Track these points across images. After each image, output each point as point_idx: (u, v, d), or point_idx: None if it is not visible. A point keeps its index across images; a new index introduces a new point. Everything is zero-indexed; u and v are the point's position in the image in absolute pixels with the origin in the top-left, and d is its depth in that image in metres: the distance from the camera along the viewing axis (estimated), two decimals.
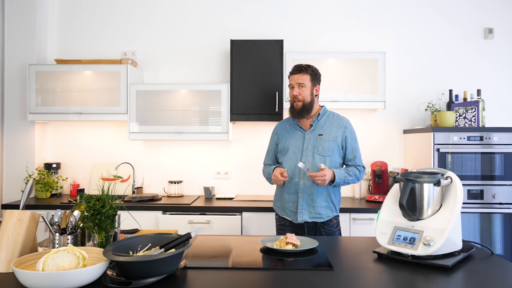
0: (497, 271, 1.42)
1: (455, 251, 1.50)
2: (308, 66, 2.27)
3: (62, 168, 3.53)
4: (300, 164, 2.10)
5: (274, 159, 2.43)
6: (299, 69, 2.25)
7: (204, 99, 3.19)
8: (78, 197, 1.87)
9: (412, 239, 1.48)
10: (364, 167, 2.31)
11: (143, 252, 1.39)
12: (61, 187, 3.44)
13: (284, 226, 2.30)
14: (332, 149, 2.23)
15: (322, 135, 2.25)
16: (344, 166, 2.34)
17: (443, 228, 1.44)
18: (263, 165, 2.50)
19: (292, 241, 1.65)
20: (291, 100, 2.29)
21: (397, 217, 1.58)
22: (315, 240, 1.71)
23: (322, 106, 2.36)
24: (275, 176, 2.20)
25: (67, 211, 1.64)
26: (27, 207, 2.73)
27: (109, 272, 1.28)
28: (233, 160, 3.50)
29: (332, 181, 2.16)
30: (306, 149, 2.25)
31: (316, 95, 2.30)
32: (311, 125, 2.29)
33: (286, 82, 3.11)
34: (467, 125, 3.13)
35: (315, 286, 1.25)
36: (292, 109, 2.28)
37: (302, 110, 2.25)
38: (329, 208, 2.24)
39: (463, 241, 1.56)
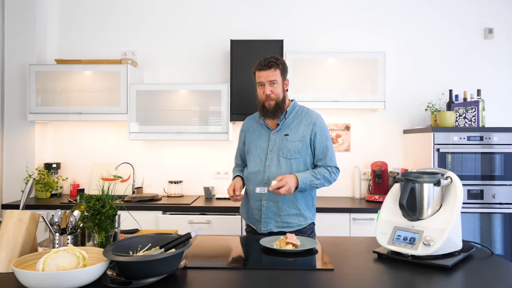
0: (497, 271, 1.41)
1: (455, 251, 1.50)
2: (277, 59, 2.02)
3: (62, 168, 3.53)
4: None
5: (242, 158, 2.25)
6: (269, 63, 1.99)
7: (204, 99, 3.18)
8: (78, 197, 1.87)
9: (412, 239, 1.48)
10: (337, 168, 2.06)
11: (143, 252, 1.38)
12: (61, 187, 3.44)
13: (250, 234, 2.11)
14: (299, 151, 2.01)
15: (288, 135, 2.03)
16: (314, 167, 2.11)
17: (443, 228, 1.44)
18: (233, 165, 2.34)
19: (292, 241, 1.65)
20: (261, 99, 2.04)
21: (397, 217, 1.58)
22: (315, 240, 1.71)
23: (291, 101, 2.13)
24: (228, 192, 2.03)
25: (67, 211, 1.64)
26: (27, 207, 2.72)
27: (109, 272, 1.28)
28: (233, 160, 3.49)
29: (297, 186, 1.92)
30: (271, 152, 2.04)
31: (286, 90, 2.09)
32: (278, 124, 2.07)
33: None
34: (467, 125, 3.13)
35: (315, 286, 1.25)
36: (263, 109, 2.04)
37: (276, 110, 2.02)
38: (300, 215, 2.02)
39: (463, 241, 1.56)
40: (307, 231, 2.07)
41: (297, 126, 2.05)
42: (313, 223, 2.12)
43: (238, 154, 2.29)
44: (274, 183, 1.86)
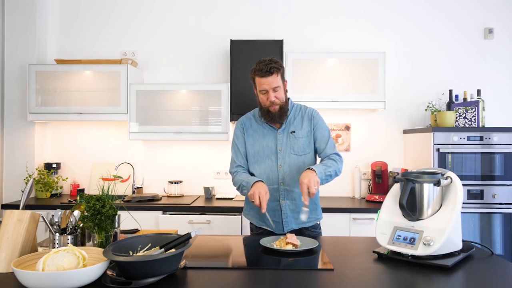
0: (497, 271, 1.41)
1: (455, 251, 1.50)
2: (276, 62, 1.95)
3: (62, 168, 3.53)
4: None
5: (246, 159, 2.12)
6: (270, 69, 1.91)
7: (204, 99, 3.18)
8: (78, 197, 1.87)
9: (412, 239, 1.48)
10: (339, 155, 2.04)
11: (143, 252, 1.38)
12: (61, 187, 3.44)
13: (263, 236, 1.93)
14: (308, 146, 2.04)
15: (294, 132, 2.04)
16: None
17: (443, 228, 1.44)
18: (232, 168, 2.13)
19: (292, 241, 1.65)
20: (265, 105, 1.98)
21: (397, 217, 1.58)
22: (315, 240, 1.71)
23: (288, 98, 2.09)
24: (260, 196, 1.81)
25: (67, 211, 1.64)
26: (27, 207, 2.73)
27: (109, 272, 1.28)
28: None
29: None
30: (280, 151, 2.02)
31: (286, 91, 2.05)
32: (282, 123, 2.05)
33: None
34: (467, 125, 3.13)
35: (315, 286, 1.25)
36: (268, 114, 1.99)
37: (282, 114, 2.00)
38: (315, 210, 2.07)
39: (463, 241, 1.56)
40: (318, 225, 2.13)
41: (301, 122, 2.06)
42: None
43: (238, 154, 2.13)
44: (303, 197, 1.79)
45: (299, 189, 1.94)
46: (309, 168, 1.87)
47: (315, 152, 2.10)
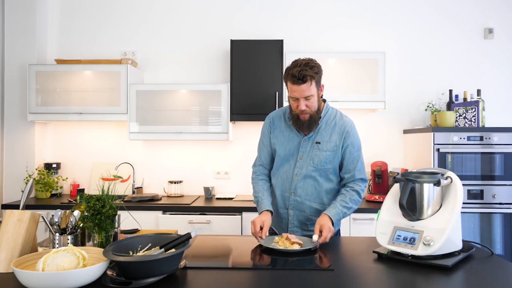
0: (497, 271, 1.41)
1: (455, 251, 1.50)
2: (312, 67, 1.81)
3: (62, 168, 3.53)
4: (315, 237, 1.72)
5: (270, 157, 2.03)
6: (303, 77, 1.76)
7: (204, 99, 3.18)
8: (78, 197, 1.87)
9: (412, 239, 1.48)
10: (365, 180, 1.95)
11: (143, 252, 1.38)
12: (61, 187, 3.44)
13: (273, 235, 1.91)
14: (331, 161, 1.91)
15: (319, 143, 1.90)
16: (341, 181, 1.99)
17: (443, 228, 1.44)
18: (254, 166, 2.09)
19: (297, 241, 1.65)
20: (295, 112, 1.87)
21: (397, 217, 1.58)
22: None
23: (324, 101, 1.96)
24: (254, 226, 1.76)
25: (67, 211, 1.64)
26: (27, 207, 2.72)
27: (109, 272, 1.28)
28: (233, 160, 3.50)
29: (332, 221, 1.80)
30: (300, 159, 1.92)
31: (321, 96, 1.92)
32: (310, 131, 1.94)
33: None
34: (467, 125, 3.13)
35: (315, 286, 1.25)
36: (298, 122, 1.87)
37: (311, 123, 1.87)
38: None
39: (463, 241, 1.56)
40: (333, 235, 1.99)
41: (330, 134, 1.91)
42: (339, 229, 2.04)
43: (263, 152, 2.04)
44: (315, 237, 1.69)
45: (309, 202, 1.93)
46: (327, 215, 1.79)
47: (339, 166, 1.96)
